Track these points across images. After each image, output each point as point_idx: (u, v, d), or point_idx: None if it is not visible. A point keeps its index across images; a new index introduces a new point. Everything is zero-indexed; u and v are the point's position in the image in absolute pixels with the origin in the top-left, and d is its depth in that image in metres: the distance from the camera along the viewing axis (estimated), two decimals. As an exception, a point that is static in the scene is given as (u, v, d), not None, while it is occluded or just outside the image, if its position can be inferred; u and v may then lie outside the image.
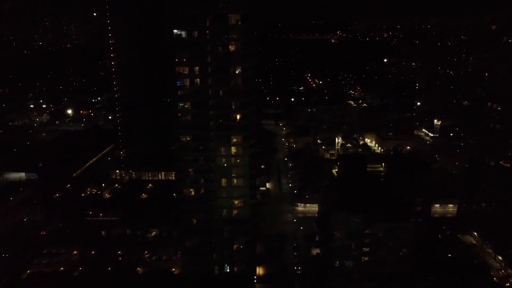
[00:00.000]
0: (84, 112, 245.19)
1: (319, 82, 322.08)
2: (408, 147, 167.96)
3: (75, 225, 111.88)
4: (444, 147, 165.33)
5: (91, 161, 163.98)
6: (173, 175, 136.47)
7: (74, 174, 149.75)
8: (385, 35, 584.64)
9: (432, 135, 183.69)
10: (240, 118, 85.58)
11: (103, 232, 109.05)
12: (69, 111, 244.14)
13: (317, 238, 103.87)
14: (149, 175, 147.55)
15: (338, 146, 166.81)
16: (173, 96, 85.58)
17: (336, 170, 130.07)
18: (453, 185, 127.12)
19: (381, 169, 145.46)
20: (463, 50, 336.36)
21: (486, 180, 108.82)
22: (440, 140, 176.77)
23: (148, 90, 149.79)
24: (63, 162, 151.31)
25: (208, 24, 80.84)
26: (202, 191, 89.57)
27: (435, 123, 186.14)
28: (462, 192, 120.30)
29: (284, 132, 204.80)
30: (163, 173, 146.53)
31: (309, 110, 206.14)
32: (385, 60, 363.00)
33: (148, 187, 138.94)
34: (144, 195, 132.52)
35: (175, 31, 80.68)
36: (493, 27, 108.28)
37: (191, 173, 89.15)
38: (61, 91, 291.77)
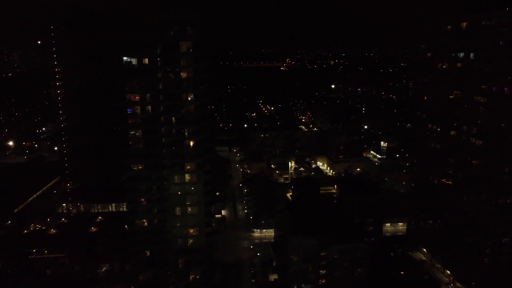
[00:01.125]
0: (27, 143, 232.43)
1: (270, 108, 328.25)
2: (358, 169, 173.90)
3: (17, 265, 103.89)
4: (391, 168, 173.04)
5: (34, 195, 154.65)
6: (124, 206, 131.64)
7: (16, 210, 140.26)
8: (331, 63, 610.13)
9: (379, 156, 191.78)
10: (193, 145, 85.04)
11: (48, 271, 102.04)
12: (10, 143, 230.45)
13: (274, 264, 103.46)
14: (99, 207, 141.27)
15: (291, 170, 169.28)
16: (124, 124, 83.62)
17: (290, 194, 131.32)
18: (401, 204, 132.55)
19: (334, 191, 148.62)
20: (403, 76, 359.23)
21: (431, 198, 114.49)
22: (387, 161, 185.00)
23: (96, 119, 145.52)
24: (3, 198, 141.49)
25: (159, 51, 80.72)
26: (156, 221, 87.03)
27: (381, 145, 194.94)
28: (410, 210, 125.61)
29: (238, 158, 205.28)
30: (113, 204, 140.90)
31: (262, 135, 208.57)
32: (332, 86, 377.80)
33: (98, 219, 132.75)
34: (93, 229, 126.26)
35: (124, 58, 79.71)
36: (428, 54, 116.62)
37: (144, 203, 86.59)
38: (1, 122, 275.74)
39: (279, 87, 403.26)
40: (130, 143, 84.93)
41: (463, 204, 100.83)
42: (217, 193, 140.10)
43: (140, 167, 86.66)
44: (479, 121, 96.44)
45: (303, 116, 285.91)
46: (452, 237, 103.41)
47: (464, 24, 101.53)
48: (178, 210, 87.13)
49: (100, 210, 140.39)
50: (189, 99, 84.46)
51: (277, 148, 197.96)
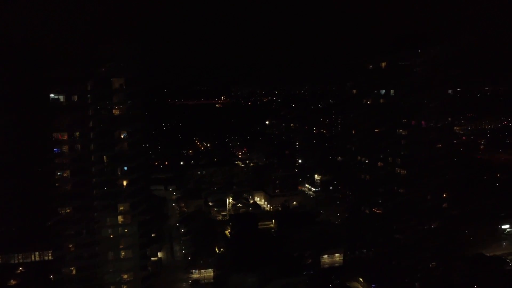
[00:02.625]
0: None
1: (207, 145, 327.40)
2: (295, 202, 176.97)
3: None
4: (326, 200, 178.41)
5: None
6: (49, 254, 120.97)
7: None
8: (265, 99, 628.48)
9: (314, 189, 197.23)
10: (127, 184, 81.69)
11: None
12: None
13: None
14: (20, 257, 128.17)
15: (229, 207, 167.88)
16: (50, 164, 78.52)
17: (229, 231, 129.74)
18: (337, 235, 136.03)
19: (272, 225, 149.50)
20: (332, 111, 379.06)
21: (364, 227, 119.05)
22: (321, 193, 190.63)
23: (17, 159, 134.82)
24: None
25: (89, 87, 78.10)
26: (85, 268, 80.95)
27: (316, 178, 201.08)
28: (345, 241, 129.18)
29: (174, 197, 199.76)
30: (37, 253, 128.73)
31: (198, 172, 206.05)
32: (267, 122, 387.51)
33: (19, 271, 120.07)
34: (13, 282, 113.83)
35: (51, 95, 75.99)
36: (354, 91, 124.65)
37: (72, 249, 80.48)
38: None
39: (215, 123, 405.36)
40: (57, 184, 79.61)
41: (393, 232, 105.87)
42: (152, 234, 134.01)
43: (68, 210, 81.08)
44: (402, 152, 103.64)
45: (239, 152, 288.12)
46: (386, 264, 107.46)
47: (383, 63, 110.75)
48: (110, 255, 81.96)
49: (21, 261, 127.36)
50: (122, 136, 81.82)
51: (215, 185, 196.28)
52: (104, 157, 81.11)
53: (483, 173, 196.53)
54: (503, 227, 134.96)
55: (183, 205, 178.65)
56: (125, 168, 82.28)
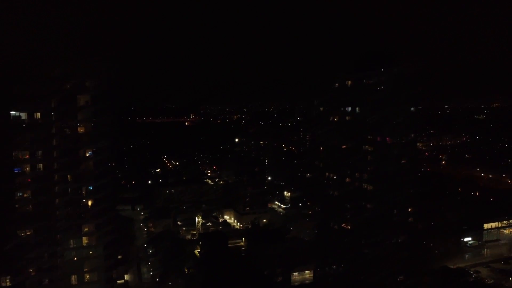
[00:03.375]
0: None
1: (176, 163, 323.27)
2: (265, 220, 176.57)
3: None
4: (295, 217, 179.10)
5: None
6: (7, 280, 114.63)
7: None
8: (235, 117, 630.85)
9: (284, 206, 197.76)
10: (92, 204, 79.17)
11: None
12: None
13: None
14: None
15: (198, 226, 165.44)
16: (9, 184, 75.15)
17: (199, 250, 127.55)
18: (307, 252, 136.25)
19: (242, 243, 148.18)
20: (300, 129, 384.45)
21: (333, 243, 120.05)
22: (291, 210, 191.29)
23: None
24: None
25: (53, 105, 75.94)
26: (47, 293, 77.23)
27: (285, 195, 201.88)
28: (315, 257, 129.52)
29: (142, 217, 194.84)
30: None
31: (167, 191, 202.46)
32: (236, 139, 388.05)
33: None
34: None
35: (12, 112, 73.34)
36: (321, 109, 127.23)
37: (33, 274, 76.65)
38: None
39: (184, 141, 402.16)
40: (17, 205, 76.14)
41: (362, 247, 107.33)
42: (119, 256, 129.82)
43: (28, 233, 77.46)
44: (368, 168, 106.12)
45: (208, 170, 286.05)
46: (355, 279, 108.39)
47: (349, 82, 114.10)
48: (74, 278, 78.74)
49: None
50: (87, 155, 79.67)
51: (184, 204, 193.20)
52: (68, 176, 78.53)
53: (445, 187, 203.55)
54: (466, 239, 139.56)
55: (151, 225, 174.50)
56: (90, 188, 79.92)
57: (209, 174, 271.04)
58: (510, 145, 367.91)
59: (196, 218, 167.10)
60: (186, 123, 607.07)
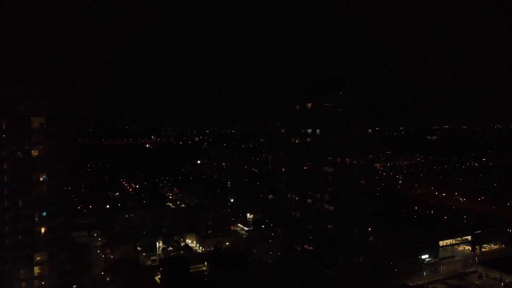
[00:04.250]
0: None
1: (135, 186, 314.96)
2: (227, 243, 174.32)
3: None
4: (258, 239, 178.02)
5: None
6: None
7: None
8: (196, 139, 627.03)
9: (246, 228, 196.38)
10: (45, 231, 75.31)
11: None
12: None
13: None
14: None
15: (159, 251, 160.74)
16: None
17: (159, 277, 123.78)
18: (270, 274, 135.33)
19: (204, 268, 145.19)
20: (262, 150, 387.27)
21: (296, 265, 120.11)
22: (254, 232, 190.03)
23: None
24: None
25: (4, 127, 72.54)
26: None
27: (248, 217, 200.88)
28: (278, 280, 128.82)
29: (99, 243, 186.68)
30: None
31: (126, 216, 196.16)
32: (198, 161, 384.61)
33: None
34: None
35: (-41, 136, 69.40)
36: (283, 130, 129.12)
37: (-23, 308, 71.22)
38: None
39: (145, 164, 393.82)
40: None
41: (324, 267, 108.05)
42: (74, 286, 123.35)
43: (-27, 264, 72.37)
44: (329, 189, 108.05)
45: (170, 193, 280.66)
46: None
47: (309, 104, 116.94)
48: (23, 312, 73.73)
49: None
50: (41, 179, 76.15)
51: (144, 228, 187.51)
52: (20, 202, 74.49)
53: (402, 206, 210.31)
54: (423, 257, 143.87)
55: (108, 251, 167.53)
56: (44, 214, 76.10)
57: (170, 197, 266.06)
58: (460, 164, 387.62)
59: (157, 243, 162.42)
60: (147, 145, 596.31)
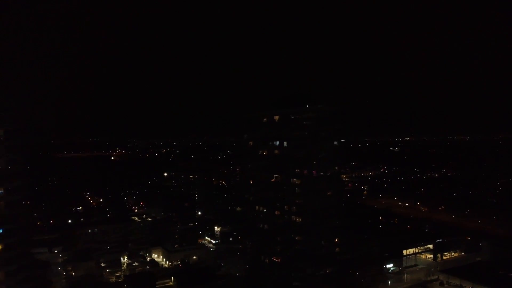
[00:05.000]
0: None
1: (99, 200, 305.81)
2: (195, 257, 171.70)
3: None
4: (226, 252, 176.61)
5: None
6: None
7: None
8: (163, 151, 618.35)
9: (214, 242, 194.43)
10: (2, 249, 71.73)
11: None
12: None
13: None
14: None
15: (124, 267, 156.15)
16: None
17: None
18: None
19: (171, 283, 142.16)
20: (230, 162, 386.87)
21: (264, 278, 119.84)
22: (222, 245, 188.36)
23: None
24: None
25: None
26: None
27: (216, 230, 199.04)
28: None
29: (61, 260, 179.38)
30: None
31: (89, 231, 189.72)
32: (165, 174, 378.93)
33: None
34: None
35: None
36: (251, 143, 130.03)
37: None
38: None
39: (109, 177, 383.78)
40: None
41: (292, 279, 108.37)
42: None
43: None
44: (297, 201, 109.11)
45: (135, 207, 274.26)
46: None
47: (277, 117, 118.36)
48: (-24, 336, 69.51)
49: None
50: (-2, 195, 72.80)
51: (108, 244, 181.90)
52: (-26, 219, 70.79)
53: (367, 217, 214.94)
54: (388, 266, 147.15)
55: (70, 268, 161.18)
56: (1, 231, 72.50)
57: (136, 211, 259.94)
58: (421, 175, 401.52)
59: (122, 258, 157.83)
60: (112, 158, 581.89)
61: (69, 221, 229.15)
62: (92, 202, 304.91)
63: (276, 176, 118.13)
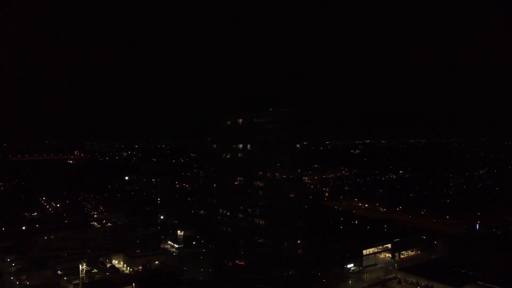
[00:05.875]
0: None
1: (56, 205, 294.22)
2: (157, 262, 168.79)
3: None
4: (189, 256, 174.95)
5: None
6: None
7: None
8: (125, 154, 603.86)
9: (177, 246, 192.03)
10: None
11: None
12: None
13: None
14: None
15: (82, 274, 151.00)
16: None
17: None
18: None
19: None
20: (194, 165, 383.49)
21: (228, 281, 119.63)
22: (185, 250, 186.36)
23: None
24: None
25: None
26: None
27: (179, 234, 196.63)
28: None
29: (13, 269, 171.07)
30: None
31: (46, 238, 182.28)
32: (127, 178, 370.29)
33: None
34: None
35: None
36: (214, 146, 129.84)
37: None
38: None
39: (67, 181, 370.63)
40: None
41: (256, 282, 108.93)
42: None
43: None
44: (260, 203, 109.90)
45: (95, 212, 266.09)
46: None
47: (240, 120, 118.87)
48: None
49: None
50: None
51: (66, 251, 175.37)
52: None
53: (329, 218, 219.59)
54: (348, 266, 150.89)
55: (24, 278, 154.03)
56: None
57: (95, 216, 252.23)
58: (380, 177, 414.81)
59: (80, 265, 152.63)
60: (70, 161, 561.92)
61: (23, 228, 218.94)
62: (49, 208, 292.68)
63: (239, 179, 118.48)
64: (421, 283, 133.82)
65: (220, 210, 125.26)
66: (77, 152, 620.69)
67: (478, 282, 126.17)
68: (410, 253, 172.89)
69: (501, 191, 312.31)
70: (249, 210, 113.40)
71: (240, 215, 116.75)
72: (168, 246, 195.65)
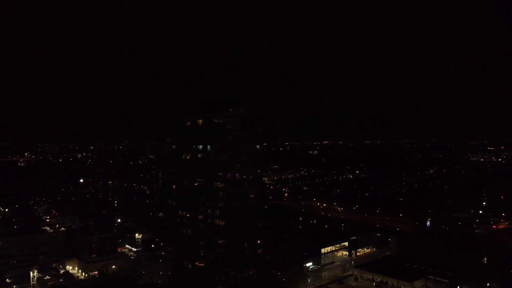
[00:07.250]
0: None
1: (5, 210, 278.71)
2: (114, 266, 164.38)
3: None
4: (148, 260, 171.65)
5: None
6: None
7: None
8: (79, 156, 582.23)
9: (135, 249, 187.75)
10: None
11: None
12: None
13: None
14: None
15: (34, 282, 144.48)
16: None
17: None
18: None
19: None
20: (152, 167, 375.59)
21: (188, 284, 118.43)
22: (143, 253, 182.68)
23: None
24: None
25: None
26: None
27: (136, 237, 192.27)
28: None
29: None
30: None
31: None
32: (81, 180, 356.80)
33: None
34: None
35: None
36: (174, 147, 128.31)
37: None
38: None
39: (17, 184, 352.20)
40: None
41: (216, 283, 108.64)
42: None
43: None
44: (220, 204, 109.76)
45: (47, 216, 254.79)
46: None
47: (200, 121, 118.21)
48: None
49: None
50: None
51: (15, 258, 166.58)
52: None
53: (288, 218, 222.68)
54: (307, 264, 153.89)
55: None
56: None
57: (48, 220, 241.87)
58: (337, 177, 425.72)
59: (31, 272, 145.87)
60: (20, 163, 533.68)
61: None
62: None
63: (199, 180, 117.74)
64: (376, 279, 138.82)
65: (180, 212, 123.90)
66: (27, 154, 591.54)
67: (429, 277, 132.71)
68: (366, 250, 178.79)
69: (449, 190, 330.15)
70: (209, 211, 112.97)
71: (200, 217, 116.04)
72: (126, 250, 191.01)
